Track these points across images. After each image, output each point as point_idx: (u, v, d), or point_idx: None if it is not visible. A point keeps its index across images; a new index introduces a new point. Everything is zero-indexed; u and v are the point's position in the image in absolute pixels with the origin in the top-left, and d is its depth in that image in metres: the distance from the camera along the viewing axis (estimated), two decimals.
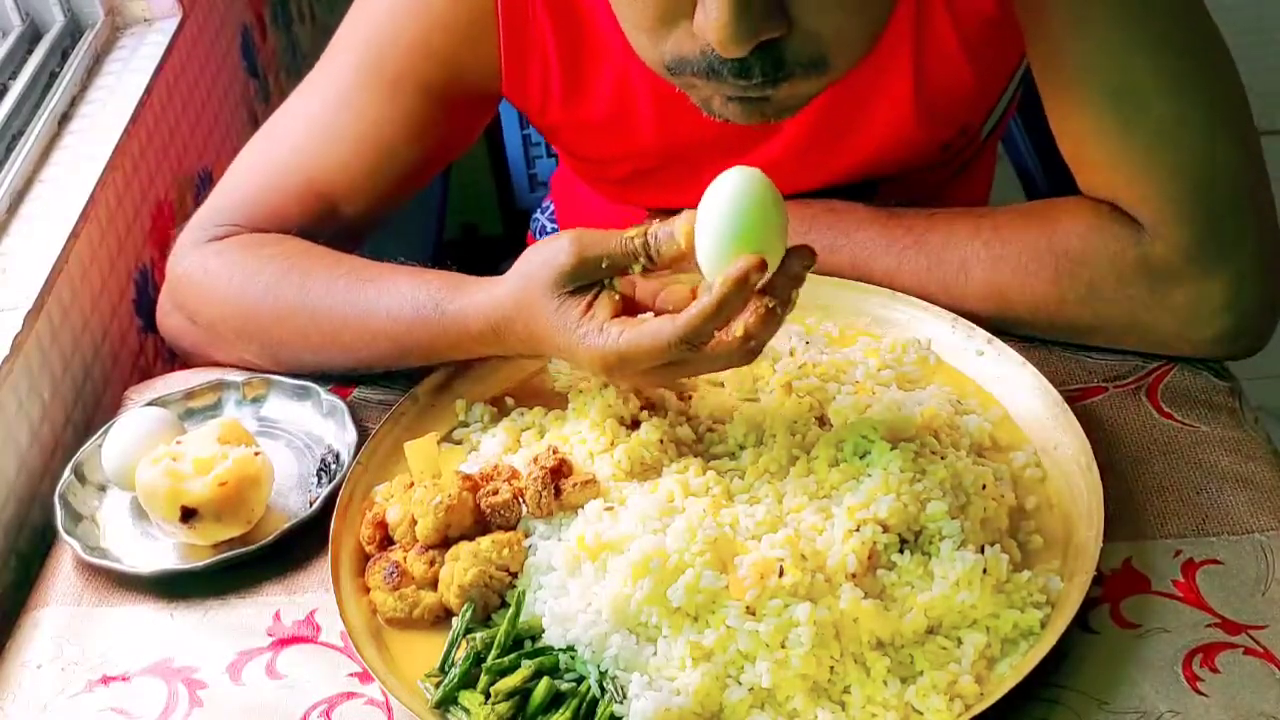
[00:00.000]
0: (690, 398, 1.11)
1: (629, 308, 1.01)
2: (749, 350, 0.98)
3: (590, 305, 1.00)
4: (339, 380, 1.19)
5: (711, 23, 0.89)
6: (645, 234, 0.98)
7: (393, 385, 1.20)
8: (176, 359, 1.53)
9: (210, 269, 1.21)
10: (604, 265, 0.99)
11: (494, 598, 0.98)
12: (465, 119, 1.26)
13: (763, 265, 0.93)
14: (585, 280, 1.00)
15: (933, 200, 1.25)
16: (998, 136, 1.38)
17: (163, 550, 1.08)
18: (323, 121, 1.22)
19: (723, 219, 0.94)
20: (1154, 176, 1.07)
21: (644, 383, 1.08)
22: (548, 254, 1.01)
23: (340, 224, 1.23)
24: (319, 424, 1.17)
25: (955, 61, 1.16)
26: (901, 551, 0.95)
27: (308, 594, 1.04)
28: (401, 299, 1.11)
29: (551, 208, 1.65)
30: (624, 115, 1.21)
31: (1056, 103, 1.11)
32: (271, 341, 1.19)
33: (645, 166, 1.27)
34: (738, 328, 0.96)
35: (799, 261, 0.96)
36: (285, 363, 1.20)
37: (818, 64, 0.95)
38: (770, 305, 0.95)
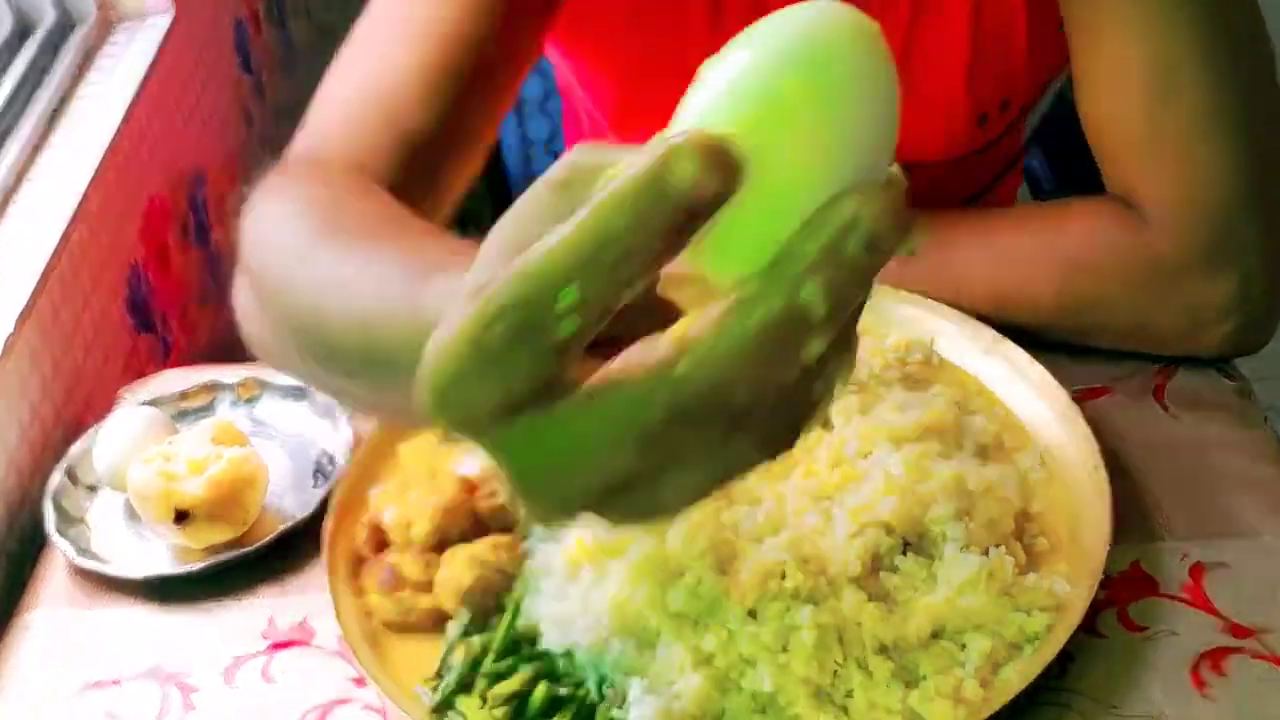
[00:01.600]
0: None
1: None
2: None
3: None
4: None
5: None
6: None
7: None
8: (169, 359, 1.52)
9: (255, 211, 0.96)
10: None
11: (492, 601, 0.97)
12: (528, 15, 1.11)
13: (712, 145, 0.43)
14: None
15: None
16: (1021, 161, 1.35)
17: (155, 552, 1.07)
18: (384, 30, 1.08)
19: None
20: (1178, 168, 1.06)
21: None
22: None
23: (411, 150, 1.03)
24: (314, 425, 1.16)
25: (1015, 14, 1.13)
26: (905, 554, 0.94)
27: (303, 597, 1.03)
28: (394, 247, 0.78)
29: None
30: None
31: (1090, 74, 1.08)
32: (266, 302, 0.91)
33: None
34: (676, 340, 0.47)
35: (891, 193, 0.45)
36: (271, 330, 0.92)
37: None
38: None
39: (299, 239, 0.87)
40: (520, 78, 1.16)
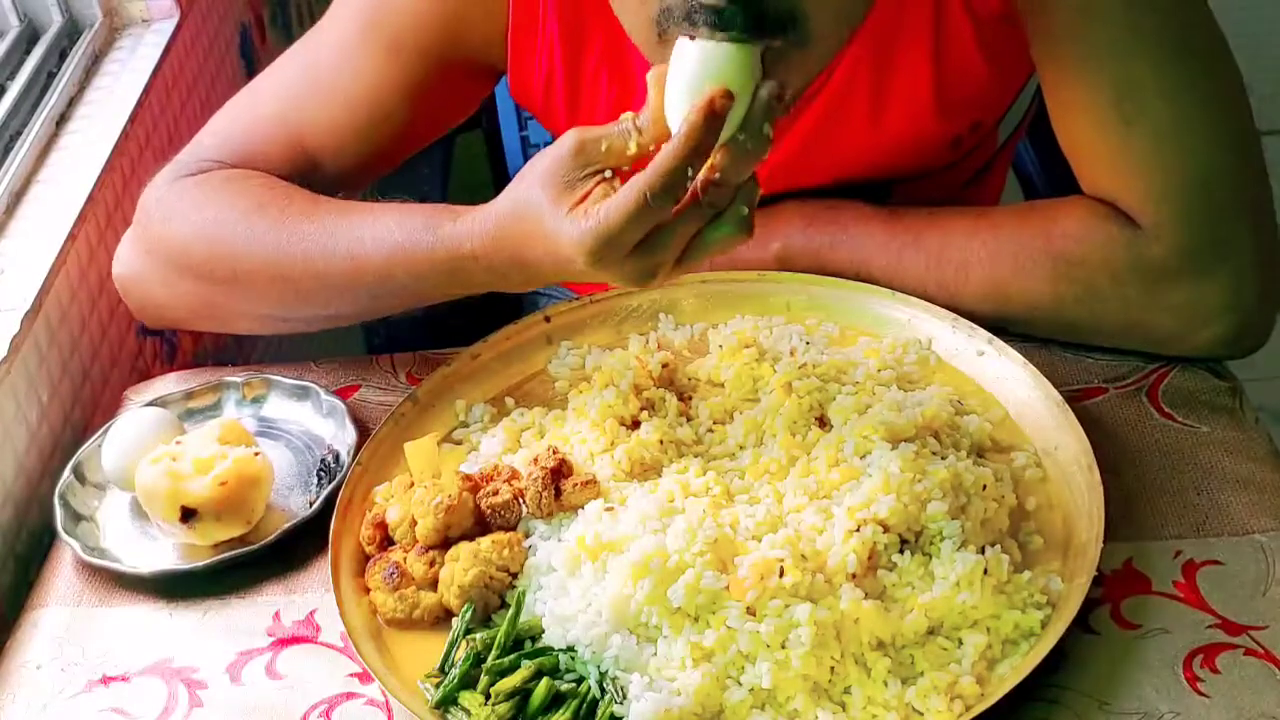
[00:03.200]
0: (690, 398, 1.11)
1: None
2: (738, 219, 0.94)
3: (585, 196, 0.94)
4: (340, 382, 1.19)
5: None
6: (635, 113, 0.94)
7: (392, 387, 1.20)
8: (174, 360, 1.53)
9: (184, 195, 1.18)
10: (603, 148, 0.94)
11: (494, 598, 0.98)
12: (462, 91, 1.25)
13: (727, 94, 0.89)
14: (586, 167, 0.95)
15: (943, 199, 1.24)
16: (1009, 152, 1.37)
17: (162, 550, 1.08)
18: (318, 74, 1.21)
19: (682, 69, 0.91)
20: (1154, 176, 1.08)
21: (634, 273, 0.96)
22: (548, 151, 0.97)
23: (320, 182, 1.20)
24: (319, 424, 1.17)
25: (970, 53, 1.15)
26: (902, 552, 0.95)
27: (308, 594, 1.04)
28: (389, 223, 1.08)
29: None
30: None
31: (1059, 100, 1.11)
32: (238, 274, 1.14)
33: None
34: (706, 169, 0.91)
35: (767, 89, 0.91)
36: (247, 301, 1.16)
37: (795, 23, 0.94)
38: (740, 139, 0.91)
39: (285, 216, 1.11)
40: (436, 136, 1.29)
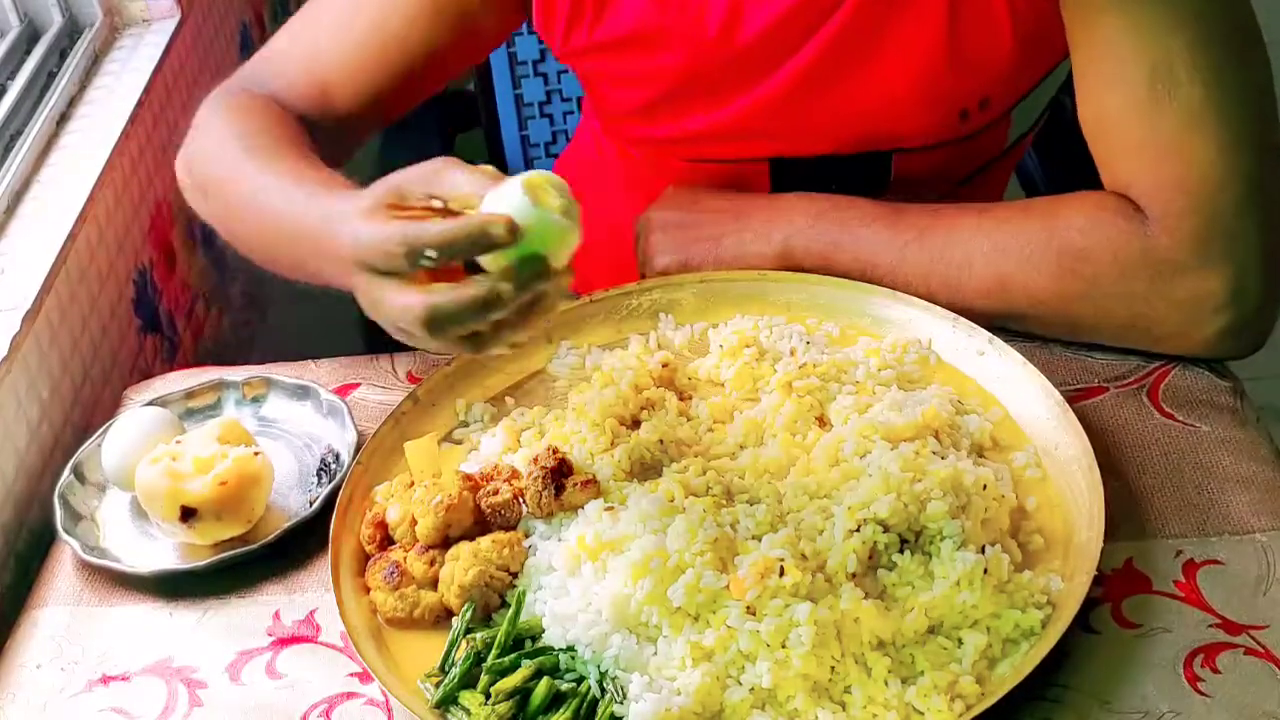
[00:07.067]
0: (690, 398, 1.11)
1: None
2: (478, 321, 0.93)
3: (384, 209, 0.95)
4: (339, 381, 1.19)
5: None
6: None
7: (392, 386, 1.20)
8: (175, 359, 1.53)
9: (211, 117, 1.24)
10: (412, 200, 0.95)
11: (494, 598, 0.98)
12: (477, 25, 1.25)
13: (512, 226, 0.89)
14: (400, 199, 0.95)
15: (944, 196, 1.24)
16: (1013, 160, 1.37)
17: (162, 550, 1.08)
18: (337, 6, 1.24)
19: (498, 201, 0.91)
20: (1175, 162, 1.07)
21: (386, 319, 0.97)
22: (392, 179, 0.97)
23: (333, 116, 1.23)
24: (319, 424, 1.16)
25: (997, 16, 1.15)
26: (902, 551, 0.95)
27: (307, 594, 1.04)
28: (294, 171, 1.11)
29: None
30: (652, 29, 1.20)
31: (1089, 77, 1.11)
32: (210, 196, 1.21)
33: (667, 88, 1.25)
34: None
35: (556, 284, 0.93)
36: (223, 221, 1.21)
37: None
38: (486, 224, 0.90)
39: (235, 157, 1.17)
40: (450, 79, 1.31)
